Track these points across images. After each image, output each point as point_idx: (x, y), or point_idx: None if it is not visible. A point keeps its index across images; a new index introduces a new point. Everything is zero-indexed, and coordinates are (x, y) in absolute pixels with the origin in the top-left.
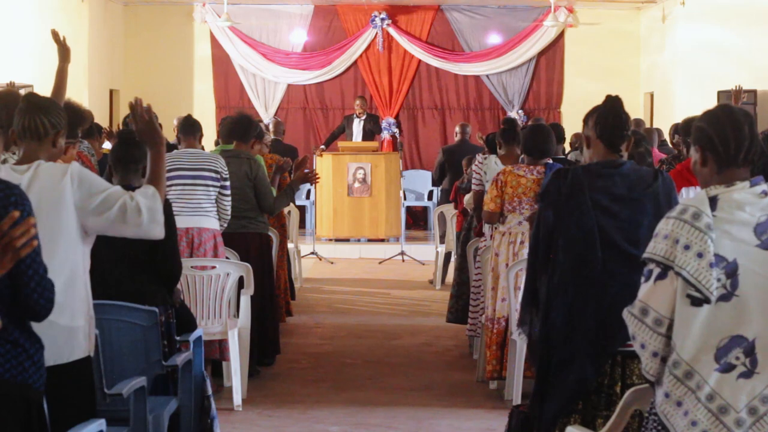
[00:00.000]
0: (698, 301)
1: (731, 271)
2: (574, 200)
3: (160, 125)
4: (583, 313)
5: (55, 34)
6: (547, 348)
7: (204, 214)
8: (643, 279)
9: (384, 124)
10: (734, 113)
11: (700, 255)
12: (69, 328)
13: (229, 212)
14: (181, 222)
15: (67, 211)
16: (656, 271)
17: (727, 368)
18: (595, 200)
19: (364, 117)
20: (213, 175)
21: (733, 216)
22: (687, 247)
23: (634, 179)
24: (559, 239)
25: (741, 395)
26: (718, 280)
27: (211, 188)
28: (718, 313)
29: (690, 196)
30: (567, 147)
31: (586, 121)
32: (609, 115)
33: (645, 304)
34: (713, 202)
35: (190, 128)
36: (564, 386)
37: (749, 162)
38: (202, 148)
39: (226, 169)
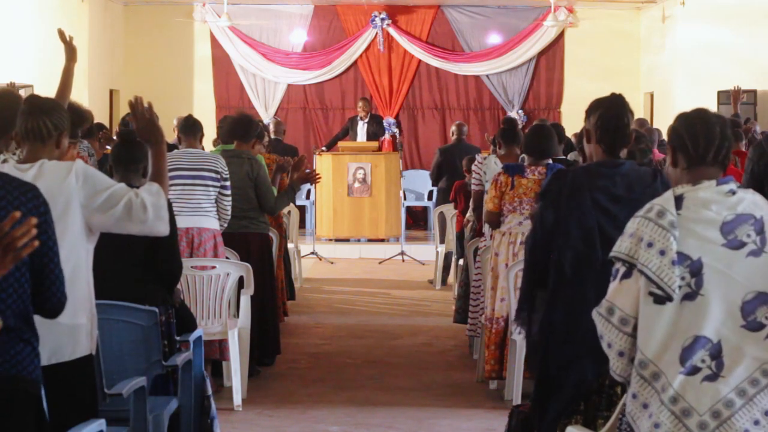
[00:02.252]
0: (661, 299)
1: (696, 270)
2: (575, 200)
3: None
4: (583, 313)
5: (61, 34)
6: (546, 349)
7: (204, 214)
8: (611, 278)
9: (384, 124)
10: (706, 114)
11: (662, 252)
12: (71, 326)
13: (229, 212)
14: (181, 222)
15: (72, 209)
16: (622, 269)
17: (692, 371)
18: (595, 200)
19: (367, 119)
20: (213, 175)
21: (698, 215)
22: (650, 245)
23: (634, 179)
24: (559, 239)
25: (704, 398)
26: (683, 278)
27: (210, 188)
28: (682, 312)
29: None
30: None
31: (588, 115)
32: (612, 121)
33: (611, 303)
34: (678, 200)
35: (190, 128)
36: (564, 387)
37: (720, 163)
38: (202, 148)
39: (226, 169)
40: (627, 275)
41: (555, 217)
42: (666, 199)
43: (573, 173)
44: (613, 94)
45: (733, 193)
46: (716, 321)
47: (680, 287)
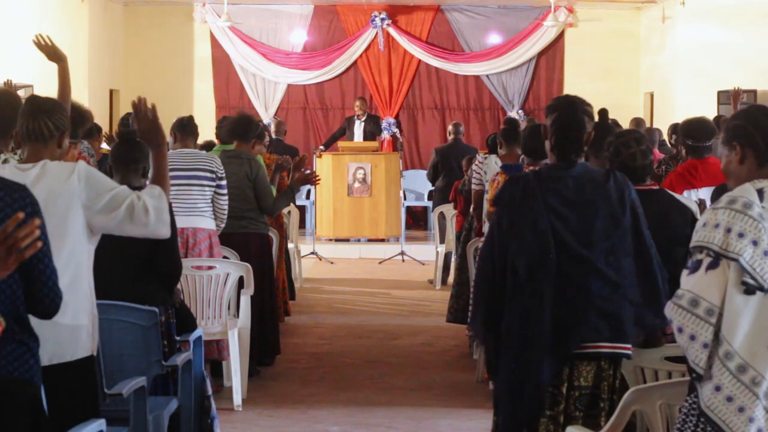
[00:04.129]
0: (753, 289)
1: None
2: (527, 204)
3: None
4: (539, 317)
5: (37, 42)
6: (503, 352)
7: (199, 214)
8: (687, 271)
9: (384, 124)
10: None
11: (755, 243)
12: (72, 327)
13: (225, 212)
14: (176, 222)
15: (74, 210)
16: (707, 260)
17: None
18: (548, 203)
19: (364, 118)
20: (208, 175)
21: None
22: (741, 235)
23: (586, 181)
24: (513, 244)
25: None
26: None
27: (206, 188)
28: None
29: (692, 198)
30: None
31: (546, 114)
32: (560, 132)
33: (695, 295)
34: (760, 193)
35: (185, 129)
36: (521, 390)
37: None
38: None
39: (221, 168)
40: (713, 265)
41: (509, 222)
42: (748, 191)
43: (525, 178)
44: (568, 98)
45: None
46: None
47: None
